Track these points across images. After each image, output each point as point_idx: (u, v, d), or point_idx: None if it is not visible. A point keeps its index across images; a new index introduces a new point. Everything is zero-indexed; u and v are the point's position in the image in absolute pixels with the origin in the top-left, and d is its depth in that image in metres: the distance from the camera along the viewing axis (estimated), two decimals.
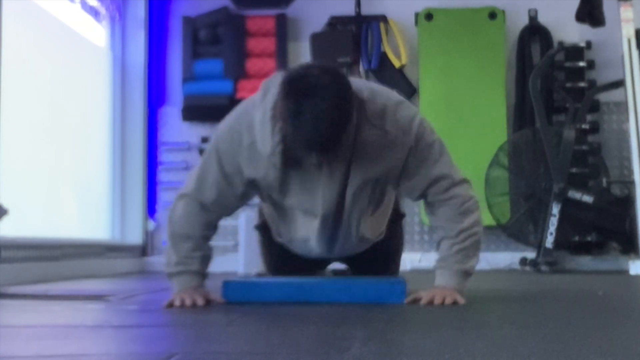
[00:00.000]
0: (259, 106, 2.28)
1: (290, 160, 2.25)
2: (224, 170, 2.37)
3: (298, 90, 2.09)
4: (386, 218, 2.67)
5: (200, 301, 2.37)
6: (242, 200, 2.46)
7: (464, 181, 2.43)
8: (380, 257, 2.76)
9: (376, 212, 2.56)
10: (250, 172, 2.36)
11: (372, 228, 2.56)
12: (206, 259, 2.46)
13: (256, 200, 2.65)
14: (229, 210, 2.48)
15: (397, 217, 2.79)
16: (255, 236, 2.92)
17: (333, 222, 2.43)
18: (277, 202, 2.46)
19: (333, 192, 2.37)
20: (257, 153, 2.30)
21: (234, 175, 2.37)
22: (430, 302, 2.35)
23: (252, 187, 2.42)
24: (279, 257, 2.74)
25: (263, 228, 2.77)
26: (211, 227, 2.47)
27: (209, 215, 2.43)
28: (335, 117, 2.09)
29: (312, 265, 2.77)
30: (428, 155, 2.36)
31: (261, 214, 2.77)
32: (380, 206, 2.56)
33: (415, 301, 2.38)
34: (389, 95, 2.37)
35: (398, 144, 2.32)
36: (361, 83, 2.38)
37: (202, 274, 2.46)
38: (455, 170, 2.42)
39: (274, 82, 2.26)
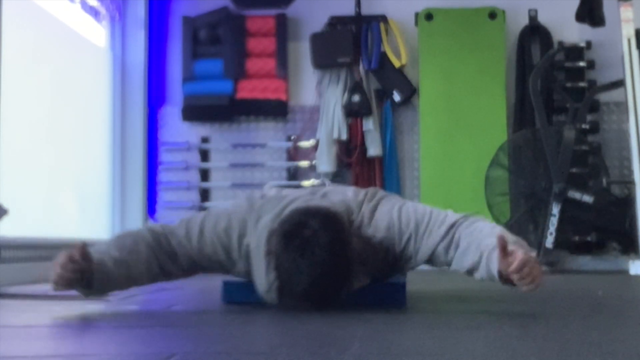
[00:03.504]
0: (252, 231, 2.24)
1: (287, 297, 2.18)
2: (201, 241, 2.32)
3: (295, 248, 2.03)
4: None
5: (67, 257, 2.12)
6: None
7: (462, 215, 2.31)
8: None
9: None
10: (233, 263, 2.33)
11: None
12: (124, 264, 2.21)
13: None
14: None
15: None
16: None
17: None
18: None
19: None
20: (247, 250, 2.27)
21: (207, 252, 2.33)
22: (519, 270, 1.98)
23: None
24: None
25: None
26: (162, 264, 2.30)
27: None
28: (333, 278, 2.06)
29: None
30: (427, 224, 2.27)
31: None
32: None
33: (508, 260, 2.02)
34: (371, 200, 2.33)
35: (398, 239, 2.27)
36: (350, 195, 2.32)
37: (114, 267, 2.20)
38: (450, 216, 2.29)
39: (266, 207, 2.24)
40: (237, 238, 2.29)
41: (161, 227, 2.34)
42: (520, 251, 1.99)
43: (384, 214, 2.30)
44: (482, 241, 2.13)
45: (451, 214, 2.28)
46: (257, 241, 2.21)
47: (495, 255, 2.02)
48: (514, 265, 1.96)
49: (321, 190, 2.41)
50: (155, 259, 2.26)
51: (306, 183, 5.68)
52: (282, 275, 2.07)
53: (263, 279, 2.18)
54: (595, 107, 5.58)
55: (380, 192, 2.40)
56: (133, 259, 2.23)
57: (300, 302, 2.12)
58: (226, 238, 2.30)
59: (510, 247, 1.99)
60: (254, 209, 2.29)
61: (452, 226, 2.23)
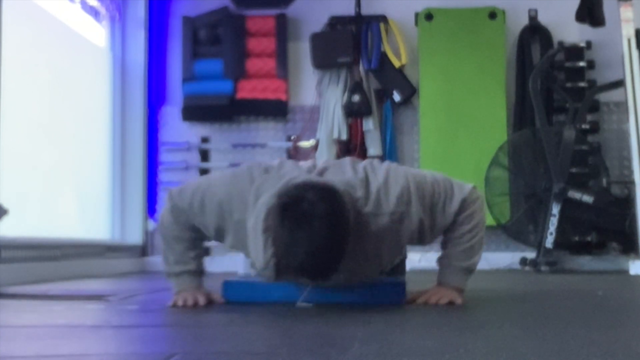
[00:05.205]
0: (251, 209, 2.24)
1: (284, 273, 2.19)
2: (205, 218, 2.37)
3: (293, 220, 2.02)
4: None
5: (202, 301, 2.40)
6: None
7: (473, 191, 2.44)
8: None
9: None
10: (232, 242, 2.36)
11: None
12: (200, 256, 2.50)
13: None
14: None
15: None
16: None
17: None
18: None
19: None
20: (244, 230, 2.28)
21: (208, 227, 2.39)
22: (427, 302, 2.37)
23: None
24: None
25: None
26: (200, 233, 2.46)
27: (194, 231, 2.45)
28: (330, 249, 2.05)
29: None
30: (438, 198, 2.37)
31: None
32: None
33: (413, 301, 2.39)
34: (376, 175, 2.32)
35: (408, 213, 2.30)
36: (350, 174, 2.31)
37: (200, 272, 2.50)
38: (461, 188, 2.42)
39: (266, 185, 2.23)
40: (229, 213, 2.30)
41: (171, 214, 2.42)
42: (426, 296, 2.42)
43: (400, 190, 2.29)
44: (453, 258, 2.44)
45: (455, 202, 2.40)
46: (255, 219, 2.20)
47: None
48: (415, 301, 2.43)
49: (319, 166, 2.40)
50: (199, 242, 2.48)
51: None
52: (279, 249, 2.07)
53: (261, 256, 2.18)
54: (595, 107, 5.58)
55: (383, 167, 2.37)
56: (197, 256, 2.48)
57: (297, 276, 2.12)
58: (220, 210, 2.33)
59: (421, 299, 2.42)
60: (253, 184, 2.29)
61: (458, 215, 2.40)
